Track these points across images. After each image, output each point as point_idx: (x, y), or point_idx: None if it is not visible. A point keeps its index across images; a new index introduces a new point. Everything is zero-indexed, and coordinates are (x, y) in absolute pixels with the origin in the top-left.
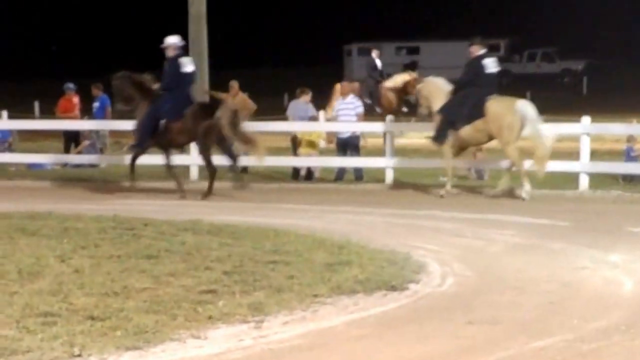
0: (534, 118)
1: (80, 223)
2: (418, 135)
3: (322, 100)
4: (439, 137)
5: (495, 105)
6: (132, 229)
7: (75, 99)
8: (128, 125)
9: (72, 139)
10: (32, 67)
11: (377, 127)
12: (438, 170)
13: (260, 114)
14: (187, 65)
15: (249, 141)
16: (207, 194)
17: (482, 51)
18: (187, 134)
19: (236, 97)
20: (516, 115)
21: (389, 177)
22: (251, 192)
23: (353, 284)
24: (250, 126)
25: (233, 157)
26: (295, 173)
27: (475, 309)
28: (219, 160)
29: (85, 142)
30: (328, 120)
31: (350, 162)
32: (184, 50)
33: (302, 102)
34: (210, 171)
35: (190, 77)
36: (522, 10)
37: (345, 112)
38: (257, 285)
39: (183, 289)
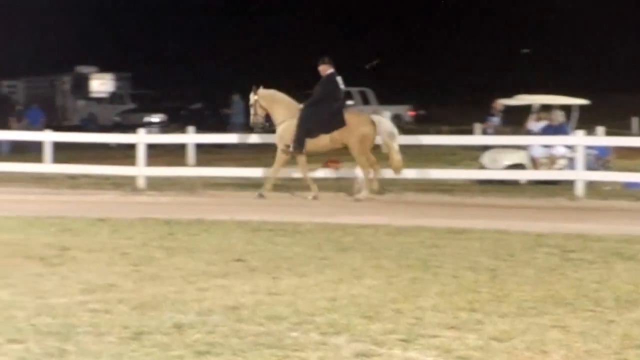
0: (388, 131)
1: None
2: None
3: None
4: (298, 146)
5: (354, 117)
6: None
7: None
8: None
9: None
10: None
11: None
12: None
13: None
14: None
15: None
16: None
17: (332, 70)
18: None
19: None
20: (372, 128)
21: None
22: None
23: None
24: None
25: None
26: None
27: None
28: None
29: None
30: None
31: None
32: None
33: None
34: None
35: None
36: None
37: None
38: None
39: None
